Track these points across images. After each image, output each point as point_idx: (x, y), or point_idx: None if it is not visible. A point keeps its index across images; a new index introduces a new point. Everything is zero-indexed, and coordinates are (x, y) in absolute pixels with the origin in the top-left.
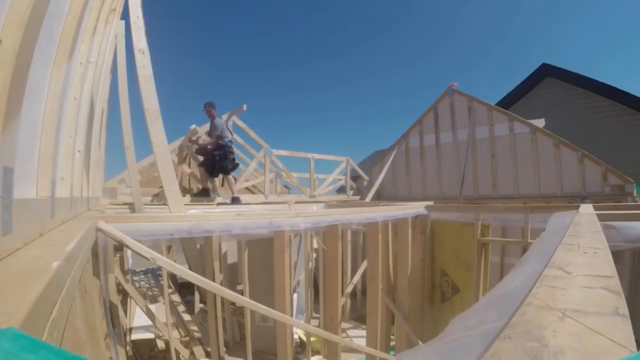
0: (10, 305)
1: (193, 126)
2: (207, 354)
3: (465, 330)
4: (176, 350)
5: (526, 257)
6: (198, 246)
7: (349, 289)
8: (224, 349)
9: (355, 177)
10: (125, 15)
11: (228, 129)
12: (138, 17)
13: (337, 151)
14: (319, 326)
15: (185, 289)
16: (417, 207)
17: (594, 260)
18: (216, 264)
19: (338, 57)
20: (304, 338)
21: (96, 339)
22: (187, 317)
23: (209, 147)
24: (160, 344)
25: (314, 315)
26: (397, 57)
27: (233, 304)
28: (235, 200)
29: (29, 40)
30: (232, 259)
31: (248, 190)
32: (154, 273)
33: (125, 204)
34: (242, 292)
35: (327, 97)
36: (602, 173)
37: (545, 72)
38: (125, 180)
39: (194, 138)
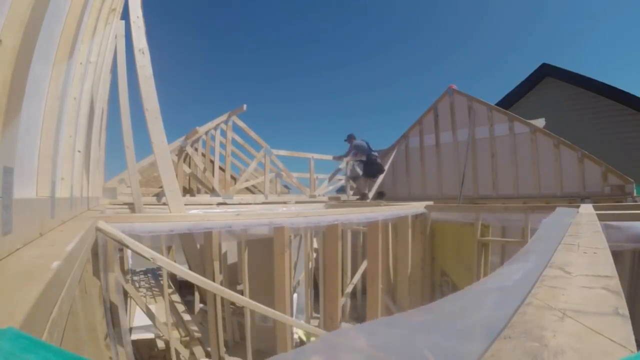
0: (11, 305)
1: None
2: (207, 354)
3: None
4: (176, 350)
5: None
6: (198, 246)
7: (349, 289)
8: (224, 349)
9: (356, 177)
10: (125, 15)
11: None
12: (138, 17)
13: (337, 151)
14: (319, 326)
15: (185, 289)
16: (417, 207)
17: (594, 260)
18: (216, 264)
19: (339, 65)
20: (304, 338)
21: (96, 339)
22: (187, 317)
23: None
24: (160, 344)
25: (314, 315)
26: (397, 61)
27: (233, 304)
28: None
29: (29, 40)
30: (232, 259)
31: (248, 190)
32: (154, 273)
33: (125, 204)
34: (242, 292)
35: (328, 101)
36: (602, 173)
37: (545, 72)
38: (125, 180)
39: (194, 138)
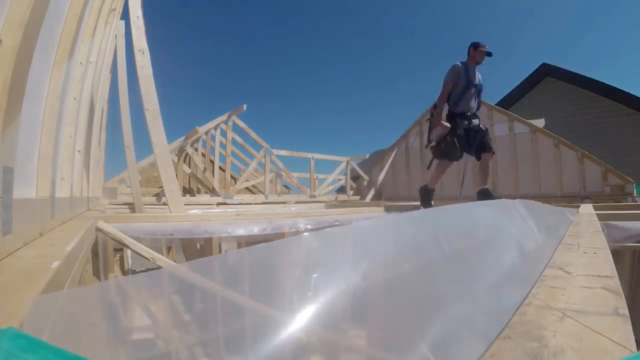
0: (11, 305)
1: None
2: None
3: None
4: None
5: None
6: (198, 246)
7: None
8: None
9: (356, 177)
10: (125, 15)
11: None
12: (138, 17)
13: (337, 151)
14: None
15: None
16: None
17: (594, 260)
18: None
19: (339, 65)
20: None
21: None
22: None
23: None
24: None
25: None
26: (397, 61)
27: None
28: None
29: (29, 40)
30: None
31: (248, 190)
32: None
33: (125, 204)
34: None
35: (329, 101)
36: (602, 173)
37: (545, 71)
38: (125, 180)
39: (192, 137)
